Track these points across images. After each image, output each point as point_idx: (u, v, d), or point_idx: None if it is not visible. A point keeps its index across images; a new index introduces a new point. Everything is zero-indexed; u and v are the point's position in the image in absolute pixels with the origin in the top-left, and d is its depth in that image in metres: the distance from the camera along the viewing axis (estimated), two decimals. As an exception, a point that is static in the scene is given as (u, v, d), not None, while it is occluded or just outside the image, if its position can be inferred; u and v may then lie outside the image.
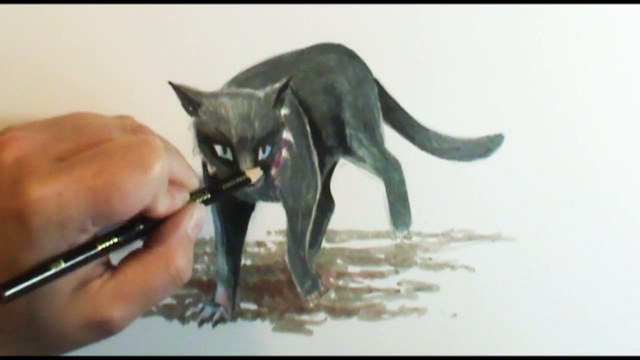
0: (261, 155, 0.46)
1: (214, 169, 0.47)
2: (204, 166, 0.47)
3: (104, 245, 0.36)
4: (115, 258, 0.38)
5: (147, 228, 0.38)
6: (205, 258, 0.49)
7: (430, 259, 0.50)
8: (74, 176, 0.34)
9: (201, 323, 0.50)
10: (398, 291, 0.50)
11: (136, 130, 0.39)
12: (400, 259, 0.50)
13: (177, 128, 0.46)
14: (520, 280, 0.50)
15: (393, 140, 0.49)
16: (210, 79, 0.46)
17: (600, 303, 0.50)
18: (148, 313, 0.49)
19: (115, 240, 0.36)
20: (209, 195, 0.41)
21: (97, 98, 0.46)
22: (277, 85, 0.46)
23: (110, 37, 0.46)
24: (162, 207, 0.38)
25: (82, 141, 0.36)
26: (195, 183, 0.41)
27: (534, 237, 0.49)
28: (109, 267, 0.38)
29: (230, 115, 0.45)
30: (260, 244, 0.49)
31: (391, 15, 0.46)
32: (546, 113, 0.48)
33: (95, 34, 0.46)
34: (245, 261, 0.50)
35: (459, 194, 0.49)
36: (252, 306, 0.50)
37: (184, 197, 0.40)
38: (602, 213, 0.49)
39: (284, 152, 0.47)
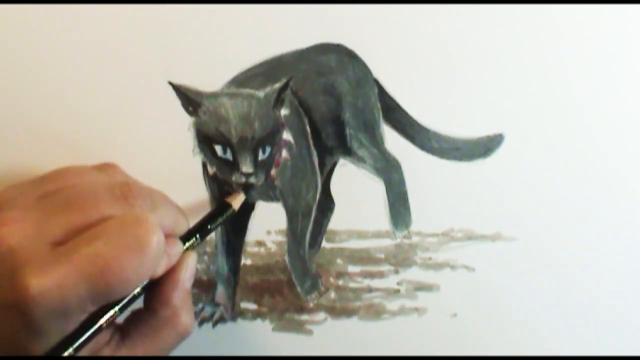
0: (261, 156, 0.46)
1: (214, 169, 0.47)
2: (204, 166, 0.47)
3: (105, 319, 0.36)
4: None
5: (145, 288, 0.38)
6: (205, 258, 0.49)
7: (430, 258, 0.50)
8: (71, 265, 0.34)
9: (201, 323, 0.50)
10: (398, 291, 0.50)
11: (125, 193, 0.38)
12: (400, 259, 0.50)
13: (177, 128, 0.46)
14: (520, 280, 0.50)
15: (393, 140, 0.49)
16: (210, 79, 0.46)
17: (600, 303, 0.50)
18: (148, 313, 0.49)
19: (116, 309, 0.37)
20: (199, 238, 0.42)
21: (97, 98, 0.46)
22: (277, 85, 0.46)
23: (110, 37, 0.46)
24: (160, 270, 0.38)
25: (74, 220, 0.36)
26: (184, 226, 0.41)
27: (534, 237, 0.50)
28: (115, 330, 0.38)
29: (230, 116, 0.45)
30: (260, 243, 0.49)
31: (391, 15, 0.46)
32: (546, 113, 0.48)
33: (95, 34, 0.46)
34: (245, 261, 0.50)
35: (459, 194, 0.49)
36: (252, 306, 0.50)
37: (178, 250, 0.40)
38: (603, 213, 0.49)
39: (284, 153, 0.47)
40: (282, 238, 0.49)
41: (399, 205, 0.49)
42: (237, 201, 0.45)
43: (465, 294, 0.50)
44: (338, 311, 0.50)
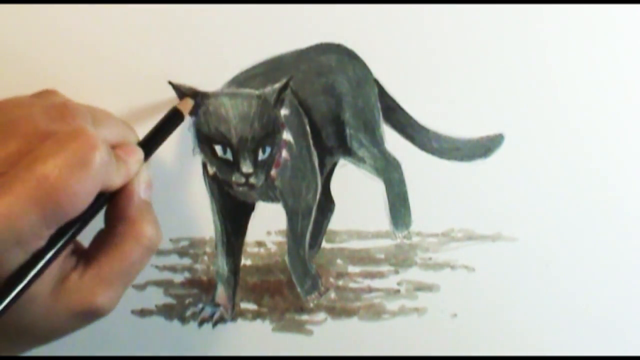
0: (261, 156, 0.46)
1: (214, 169, 0.47)
2: (204, 166, 0.47)
3: (64, 239, 0.35)
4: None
5: (105, 202, 0.37)
6: (205, 258, 0.49)
7: (430, 259, 0.50)
8: (15, 193, 0.33)
9: (201, 323, 0.50)
10: (398, 291, 0.50)
11: (62, 112, 0.36)
12: (400, 259, 0.50)
13: (177, 128, 0.46)
14: (520, 280, 0.50)
15: (393, 140, 0.49)
16: (210, 79, 0.46)
17: (600, 303, 0.50)
18: (148, 313, 0.49)
19: (73, 230, 0.36)
20: (151, 150, 0.41)
21: (97, 98, 0.46)
22: (277, 85, 0.46)
23: (110, 37, 0.46)
24: (119, 180, 0.37)
25: (12, 148, 0.34)
26: (134, 138, 0.40)
27: (534, 237, 0.49)
28: (81, 255, 0.38)
29: (230, 115, 0.45)
30: (260, 244, 0.49)
31: (391, 15, 0.46)
32: (546, 113, 0.48)
33: (95, 34, 0.46)
34: (245, 261, 0.50)
35: (459, 194, 0.49)
36: (252, 306, 0.50)
37: (138, 157, 0.39)
38: (602, 213, 0.49)
39: (284, 153, 0.47)
40: (282, 238, 0.49)
41: (399, 206, 0.49)
42: (186, 108, 0.44)
43: (465, 294, 0.50)
44: (338, 311, 0.50)
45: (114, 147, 0.37)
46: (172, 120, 0.43)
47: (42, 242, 0.34)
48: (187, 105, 0.45)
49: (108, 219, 0.38)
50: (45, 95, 0.40)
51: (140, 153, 0.39)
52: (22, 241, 0.33)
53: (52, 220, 0.34)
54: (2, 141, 0.35)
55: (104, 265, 0.37)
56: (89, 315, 0.37)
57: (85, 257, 0.38)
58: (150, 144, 0.41)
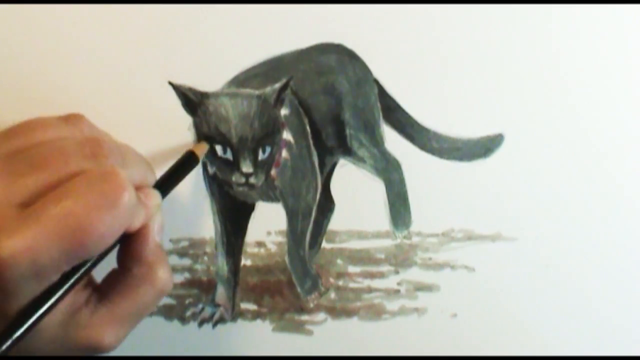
0: (261, 156, 0.46)
1: (214, 169, 0.47)
2: (204, 166, 0.47)
3: (77, 275, 0.35)
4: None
5: (118, 242, 0.37)
6: (205, 258, 0.49)
7: (430, 259, 0.50)
8: (40, 227, 0.33)
9: (201, 323, 0.50)
10: (398, 291, 0.50)
11: (95, 151, 0.36)
12: (400, 259, 0.50)
13: (177, 128, 0.46)
14: (520, 280, 0.50)
15: (393, 140, 0.49)
16: (210, 79, 0.46)
17: (600, 303, 0.50)
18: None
19: (87, 266, 0.36)
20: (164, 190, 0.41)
21: (96, 98, 0.46)
22: (277, 85, 0.46)
23: (110, 37, 0.46)
24: (138, 223, 0.37)
25: (42, 180, 0.34)
26: (153, 180, 0.40)
27: (534, 237, 0.50)
28: (94, 290, 0.38)
29: (230, 115, 0.45)
30: (260, 244, 0.49)
31: (391, 15, 0.46)
32: (546, 113, 0.48)
33: (94, 34, 0.46)
34: (245, 261, 0.50)
35: (459, 194, 0.49)
36: (252, 306, 0.50)
37: (156, 202, 0.39)
38: (602, 213, 0.49)
39: (284, 153, 0.47)
40: (282, 239, 0.49)
41: (399, 206, 0.49)
42: (199, 148, 0.44)
43: (465, 294, 0.50)
44: (338, 311, 0.50)
45: (135, 189, 0.37)
46: (187, 163, 0.44)
47: (57, 277, 0.34)
48: (202, 148, 0.45)
49: (123, 261, 0.38)
50: (74, 121, 0.39)
51: (158, 197, 0.39)
52: (41, 275, 0.33)
53: (72, 257, 0.34)
54: (32, 172, 0.35)
55: (117, 306, 0.37)
56: (94, 351, 0.37)
57: (98, 293, 0.38)
58: (165, 186, 0.41)
